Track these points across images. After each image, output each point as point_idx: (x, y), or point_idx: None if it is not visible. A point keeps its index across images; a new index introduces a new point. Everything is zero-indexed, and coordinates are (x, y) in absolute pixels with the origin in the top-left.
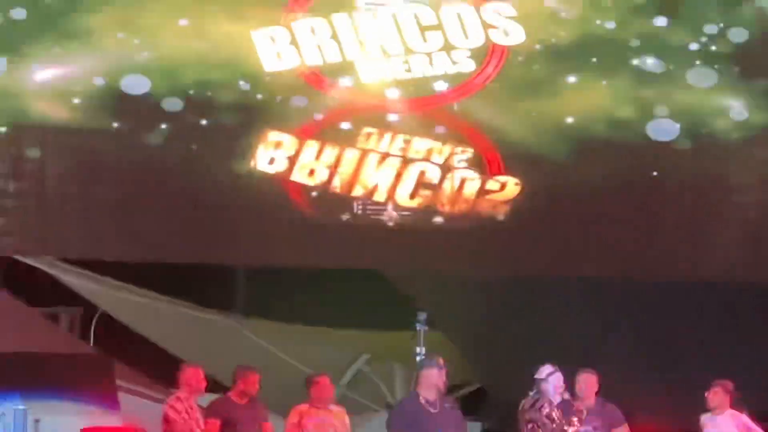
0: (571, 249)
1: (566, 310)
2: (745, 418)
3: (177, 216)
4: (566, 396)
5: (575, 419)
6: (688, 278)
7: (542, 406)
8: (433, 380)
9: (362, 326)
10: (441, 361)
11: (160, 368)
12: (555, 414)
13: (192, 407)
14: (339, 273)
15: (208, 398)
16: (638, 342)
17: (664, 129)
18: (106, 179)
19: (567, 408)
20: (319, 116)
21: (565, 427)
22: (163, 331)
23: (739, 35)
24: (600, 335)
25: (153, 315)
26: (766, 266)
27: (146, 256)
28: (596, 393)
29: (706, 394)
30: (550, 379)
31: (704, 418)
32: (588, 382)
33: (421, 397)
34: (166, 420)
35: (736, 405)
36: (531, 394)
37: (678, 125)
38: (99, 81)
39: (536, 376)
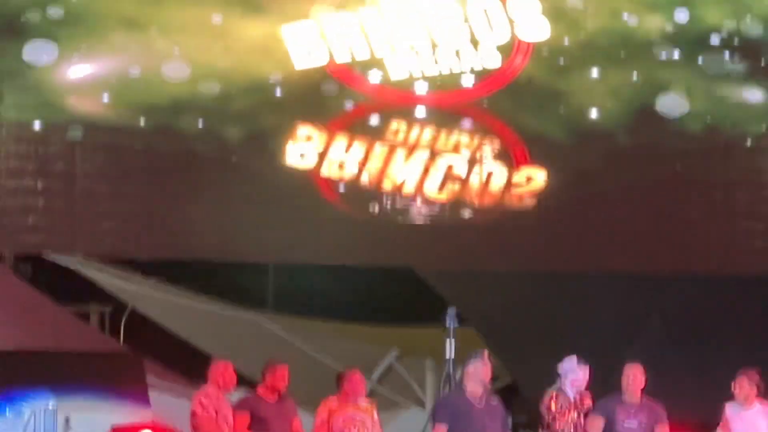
0: (600, 243)
1: (597, 305)
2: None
3: (207, 213)
4: (583, 389)
5: (573, 411)
6: (718, 272)
7: (550, 398)
8: (479, 375)
9: (392, 322)
10: (487, 355)
11: (190, 365)
12: (554, 405)
13: (221, 403)
14: (369, 268)
15: (237, 395)
16: (669, 336)
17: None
18: (136, 176)
19: (575, 400)
20: (348, 110)
21: (557, 416)
22: (192, 328)
23: (757, 28)
24: (631, 329)
25: (182, 312)
26: None
27: (176, 253)
28: (642, 388)
29: (732, 385)
30: (569, 373)
31: (730, 409)
32: (635, 374)
33: (467, 392)
34: (194, 415)
35: (763, 396)
36: (553, 387)
37: (704, 117)
38: (133, 73)
39: (558, 368)
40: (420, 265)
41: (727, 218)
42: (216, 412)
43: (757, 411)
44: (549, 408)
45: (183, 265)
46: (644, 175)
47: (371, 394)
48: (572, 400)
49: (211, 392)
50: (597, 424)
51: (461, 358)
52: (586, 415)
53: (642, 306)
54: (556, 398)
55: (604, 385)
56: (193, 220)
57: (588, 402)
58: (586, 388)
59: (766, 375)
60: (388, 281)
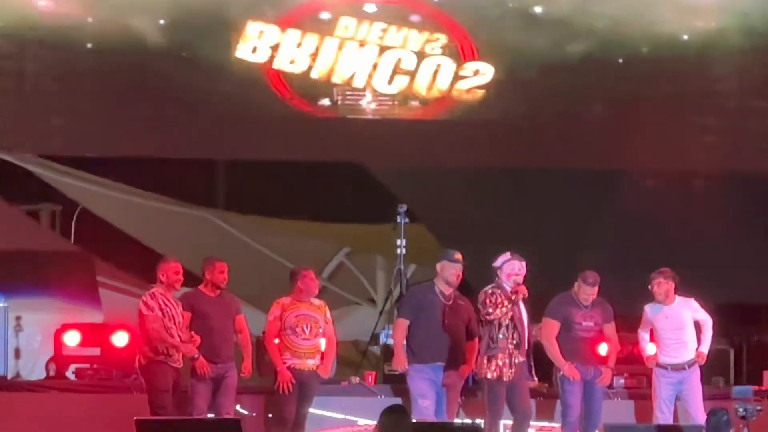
0: (550, 140)
1: (548, 201)
2: (694, 303)
3: (157, 110)
4: (520, 282)
5: (507, 301)
6: (669, 168)
7: (485, 295)
8: (445, 274)
9: (343, 219)
10: (459, 256)
11: (141, 264)
12: (488, 300)
13: (168, 302)
14: (320, 166)
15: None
16: (619, 232)
17: None
18: (86, 74)
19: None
20: (299, 6)
21: (489, 309)
22: (143, 227)
23: None
24: (582, 225)
25: (133, 210)
26: (744, 156)
27: (127, 151)
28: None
29: (650, 288)
30: (504, 266)
31: (651, 309)
32: (592, 276)
33: (436, 288)
34: (139, 315)
35: (683, 291)
36: (490, 285)
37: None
38: None
39: (494, 264)
40: (370, 162)
41: (680, 115)
42: (162, 312)
43: (678, 304)
44: (484, 304)
45: (133, 163)
46: (594, 72)
47: (322, 292)
48: (507, 293)
49: (157, 291)
50: (553, 330)
51: (412, 255)
52: (522, 303)
53: (593, 202)
54: (491, 294)
55: (552, 280)
56: (143, 118)
57: (522, 290)
58: (524, 282)
59: (707, 270)
60: (339, 178)
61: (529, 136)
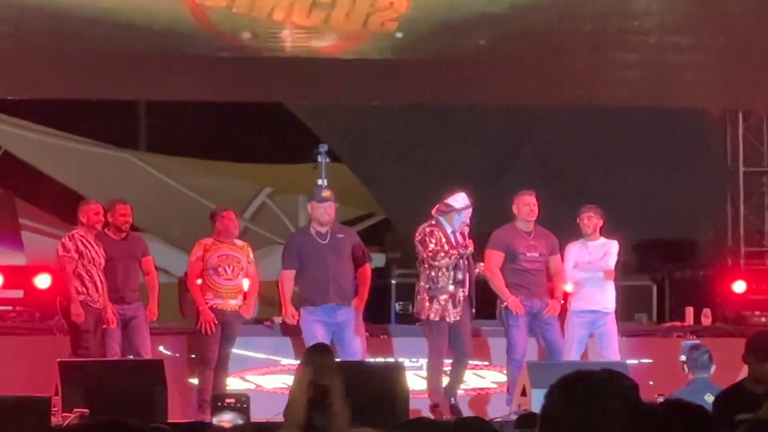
0: (469, 74)
1: (469, 137)
2: (616, 246)
3: (77, 50)
4: (466, 231)
5: (451, 253)
6: (589, 103)
7: (424, 234)
8: (318, 213)
9: (265, 160)
10: (328, 193)
11: (63, 206)
12: (430, 240)
13: (89, 244)
14: (241, 106)
15: None
16: (541, 167)
17: None
18: (5, 12)
19: (456, 240)
20: None
21: (440, 255)
22: (65, 169)
23: None
24: (504, 161)
25: (54, 152)
26: (667, 92)
27: (48, 93)
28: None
29: (578, 220)
30: (464, 212)
31: (574, 246)
32: (533, 202)
33: (311, 229)
34: (57, 257)
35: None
36: (426, 223)
37: None
38: None
39: (450, 202)
40: (291, 100)
41: (598, 49)
42: (79, 254)
43: (603, 243)
44: (425, 244)
45: (55, 105)
46: (513, 8)
47: (245, 232)
48: (452, 237)
49: (77, 234)
50: (497, 260)
51: (334, 194)
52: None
53: (515, 138)
54: (431, 234)
55: (475, 214)
56: (63, 58)
57: (471, 247)
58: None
59: (629, 206)
60: (260, 118)
61: (448, 71)
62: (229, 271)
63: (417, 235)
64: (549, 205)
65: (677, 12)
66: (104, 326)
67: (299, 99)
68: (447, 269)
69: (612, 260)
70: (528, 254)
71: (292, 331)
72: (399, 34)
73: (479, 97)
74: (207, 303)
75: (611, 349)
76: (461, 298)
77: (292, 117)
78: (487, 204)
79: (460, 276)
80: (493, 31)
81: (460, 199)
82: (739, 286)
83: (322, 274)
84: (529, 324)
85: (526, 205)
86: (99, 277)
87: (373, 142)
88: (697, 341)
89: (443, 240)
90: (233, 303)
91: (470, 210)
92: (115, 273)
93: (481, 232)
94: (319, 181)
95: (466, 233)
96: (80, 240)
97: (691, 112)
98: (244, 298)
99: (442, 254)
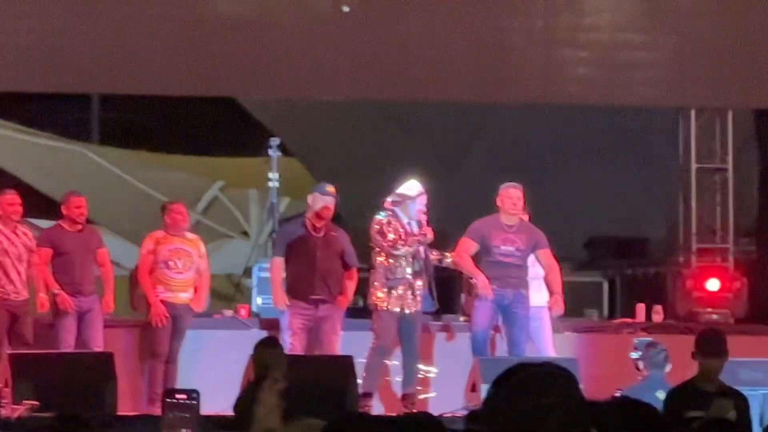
0: (421, 71)
1: (421, 132)
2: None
3: (29, 42)
4: (423, 218)
5: (410, 241)
6: (539, 101)
7: (381, 224)
8: (318, 206)
9: (217, 152)
10: (332, 188)
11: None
12: (388, 230)
13: (1, 235)
14: (192, 99)
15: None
16: (492, 163)
17: None
18: None
19: (412, 229)
20: None
21: (399, 245)
22: (17, 161)
23: None
24: (456, 157)
25: (7, 144)
26: (619, 90)
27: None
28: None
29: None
30: (419, 200)
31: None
32: (516, 195)
33: (307, 221)
34: None
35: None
36: (380, 214)
37: None
38: None
39: (403, 191)
40: (243, 95)
41: (551, 46)
42: None
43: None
44: (384, 234)
45: (4, 97)
46: (460, 5)
47: (196, 225)
48: (407, 226)
49: None
50: (467, 247)
51: (285, 189)
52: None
53: (465, 134)
54: (388, 224)
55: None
56: (16, 49)
57: (430, 234)
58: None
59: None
60: (212, 112)
61: (397, 66)
62: (180, 265)
63: (374, 225)
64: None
65: (629, 9)
66: (57, 316)
67: (251, 93)
68: (405, 259)
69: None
70: (502, 247)
71: (240, 326)
72: (346, 8)
73: (430, 94)
74: (158, 296)
75: (545, 344)
76: (418, 289)
77: (244, 111)
78: (438, 200)
79: (417, 266)
80: (441, 29)
81: (413, 187)
82: (712, 284)
83: (311, 267)
84: (498, 315)
85: (509, 199)
86: (16, 268)
87: (325, 137)
88: (651, 339)
89: (400, 230)
90: (184, 296)
91: (425, 197)
92: (71, 265)
93: (435, 227)
94: (270, 175)
95: (424, 221)
96: None
97: (644, 110)
98: (195, 291)
99: (401, 243)
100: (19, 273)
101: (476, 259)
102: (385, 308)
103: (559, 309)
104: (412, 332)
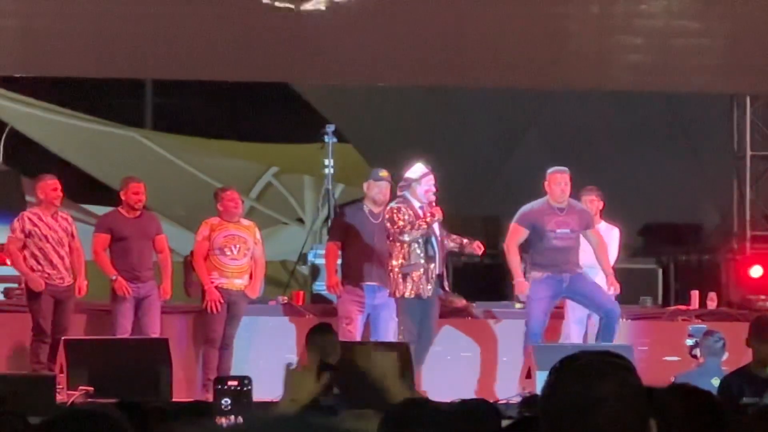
0: (474, 57)
1: (475, 119)
2: (617, 232)
3: (83, 28)
4: (432, 198)
5: (422, 222)
6: (594, 87)
7: (392, 212)
8: (374, 192)
9: (271, 139)
10: (385, 173)
11: (71, 184)
12: (398, 217)
13: (42, 221)
14: (246, 85)
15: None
16: (546, 150)
17: None
18: None
19: (423, 211)
20: None
21: (406, 230)
22: (72, 147)
23: None
24: (510, 143)
25: (61, 130)
26: (673, 76)
27: (53, 70)
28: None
29: (582, 201)
30: (423, 180)
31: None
32: (564, 180)
33: (365, 207)
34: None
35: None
36: (393, 202)
37: None
38: None
39: (408, 174)
40: (297, 81)
41: (604, 32)
42: (26, 233)
43: (604, 228)
44: (393, 221)
45: (60, 83)
46: None
47: (250, 212)
48: (419, 210)
49: (28, 213)
50: (517, 234)
51: (339, 175)
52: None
53: (520, 120)
54: (398, 211)
55: (481, 198)
56: (68, 35)
57: (439, 214)
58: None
59: (635, 190)
60: (267, 97)
61: (452, 52)
62: (235, 251)
63: (386, 213)
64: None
65: None
66: (114, 301)
67: (305, 79)
68: (418, 244)
69: (612, 257)
70: (558, 231)
71: (296, 312)
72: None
73: (484, 80)
74: (212, 282)
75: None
76: (433, 274)
77: (298, 97)
78: (492, 186)
79: (431, 251)
80: (498, 14)
81: (416, 169)
82: (755, 271)
83: (370, 253)
84: (555, 302)
85: (557, 185)
86: (58, 253)
87: (380, 123)
88: (706, 326)
89: (412, 215)
90: (239, 282)
91: (430, 177)
92: (128, 251)
93: (486, 215)
94: (326, 161)
95: (433, 201)
96: (29, 219)
97: (698, 96)
98: (250, 277)
99: (409, 227)
100: (61, 258)
101: (527, 245)
102: (405, 296)
103: (616, 289)
104: (427, 317)
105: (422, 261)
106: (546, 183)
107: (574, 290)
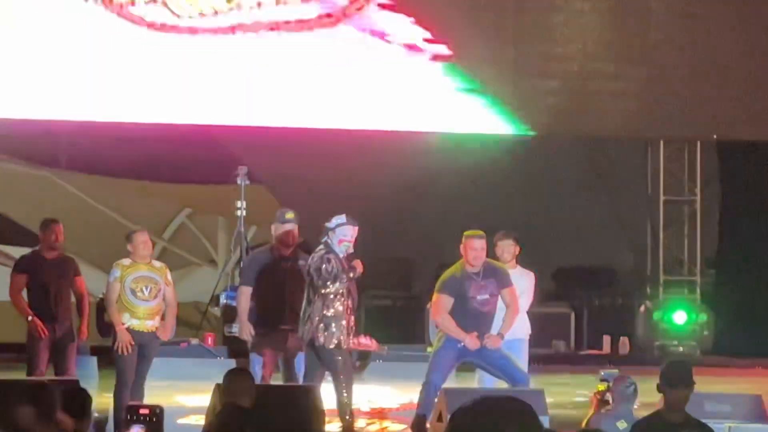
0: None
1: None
2: (532, 277)
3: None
4: (350, 250)
5: (343, 277)
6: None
7: (321, 260)
8: (281, 234)
9: (184, 180)
10: (291, 215)
11: None
12: (327, 266)
13: None
14: (161, 127)
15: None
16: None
17: None
18: None
19: (345, 264)
20: None
21: (329, 282)
22: None
23: None
24: (422, 188)
25: None
26: (588, 120)
27: None
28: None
29: (495, 249)
30: (338, 230)
31: None
32: (480, 245)
33: (274, 250)
34: None
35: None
36: (320, 249)
37: None
38: None
39: (326, 222)
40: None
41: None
42: None
43: (519, 272)
44: (319, 272)
45: None
46: None
47: (163, 253)
48: (342, 262)
49: None
50: (445, 303)
51: (252, 217)
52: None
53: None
54: (328, 261)
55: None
56: None
57: (360, 267)
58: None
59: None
60: (180, 139)
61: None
62: (146, 293)
63: (314, 260)
64: (460, 231)
65: (599, 39)
66: (30, 341)
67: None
68: (340, 296)
69: (526, 302)
70: (478, 297)
71: (207, 354)
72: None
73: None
74: (124, 324)
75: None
76: (352, 325)
77: (212, 138)
78: (405, 231)
79: (352, 304)
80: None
81: (333, 219)
82: (668, 316)
83: (281, 296)
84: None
85: (473, 250)
86: None
87: (292, 165)
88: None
89: (339, 268)
90: (150, 324)
91: (347, 228)
92: (47, 293)
93: (400, 257)
94: (238, 203)
95: (348, 252)
96: None
97: (613, 140)
98: (162, 319)
99: (332, 279)
100: None
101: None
102: (325, 345)
103: (495, 344)
104: (327, 365)
105: (342, 312)
106: (462, 246)
107: (482, 357)
